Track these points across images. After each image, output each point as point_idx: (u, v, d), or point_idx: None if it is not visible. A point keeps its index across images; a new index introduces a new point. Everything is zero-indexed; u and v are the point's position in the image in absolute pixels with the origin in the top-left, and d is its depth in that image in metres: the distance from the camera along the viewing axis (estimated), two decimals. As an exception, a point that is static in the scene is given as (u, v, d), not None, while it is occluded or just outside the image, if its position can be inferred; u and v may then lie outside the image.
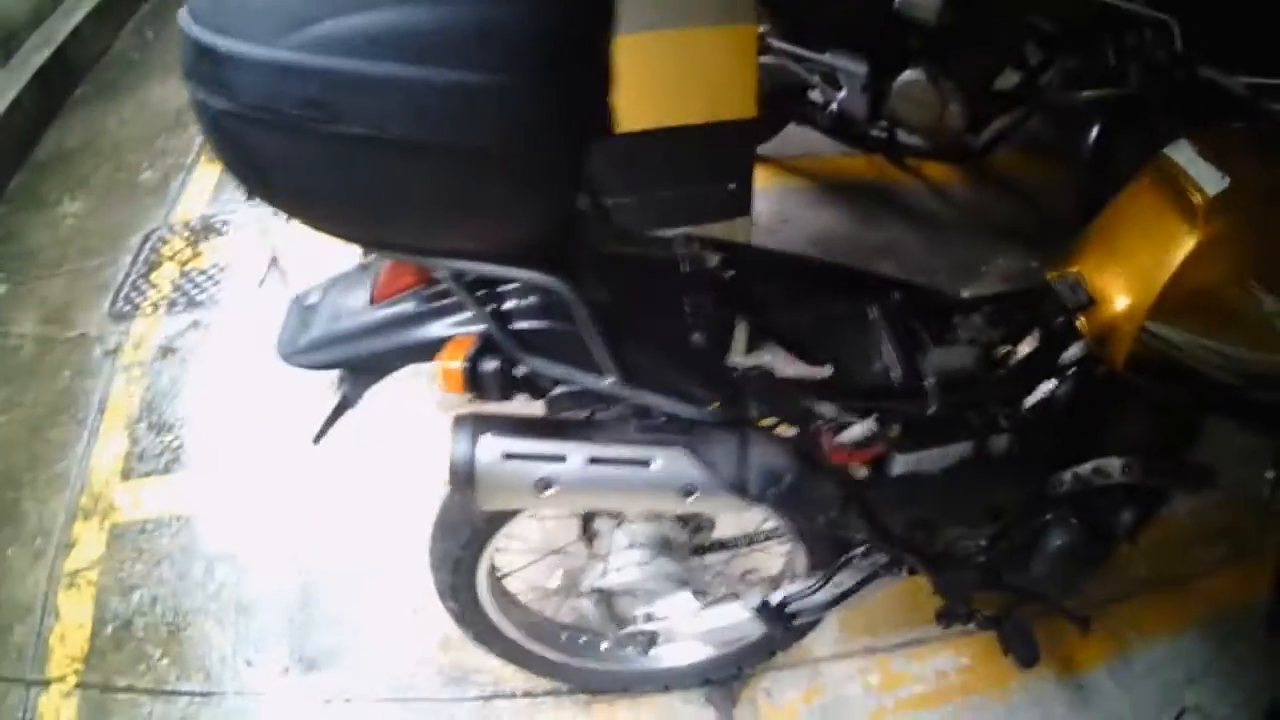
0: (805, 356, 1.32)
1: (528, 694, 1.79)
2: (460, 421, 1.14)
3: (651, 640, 1.56)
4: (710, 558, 1.59)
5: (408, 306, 1.04)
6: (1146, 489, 1.43)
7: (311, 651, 1.89)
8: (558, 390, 1.08)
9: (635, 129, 1.79)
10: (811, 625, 1.65)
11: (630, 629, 1.54)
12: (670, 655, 1.71)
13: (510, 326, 1.00)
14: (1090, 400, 1.33)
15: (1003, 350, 1.30)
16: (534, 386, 1.08)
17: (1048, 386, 1.27)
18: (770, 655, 1.75)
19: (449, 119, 0.72)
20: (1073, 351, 1.27)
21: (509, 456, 1.12)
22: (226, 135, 0.77)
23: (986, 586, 1.54)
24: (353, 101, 0.71)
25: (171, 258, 2.95)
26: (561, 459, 1.13)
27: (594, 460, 1.13)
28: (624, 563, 1.45)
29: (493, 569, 1.52)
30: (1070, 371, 1.27)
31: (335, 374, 1.11)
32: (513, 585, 1.63)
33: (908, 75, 2.24)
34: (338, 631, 1.92)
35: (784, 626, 1.49)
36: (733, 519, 1.60)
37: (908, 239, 2.63)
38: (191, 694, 1.85)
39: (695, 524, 1.53)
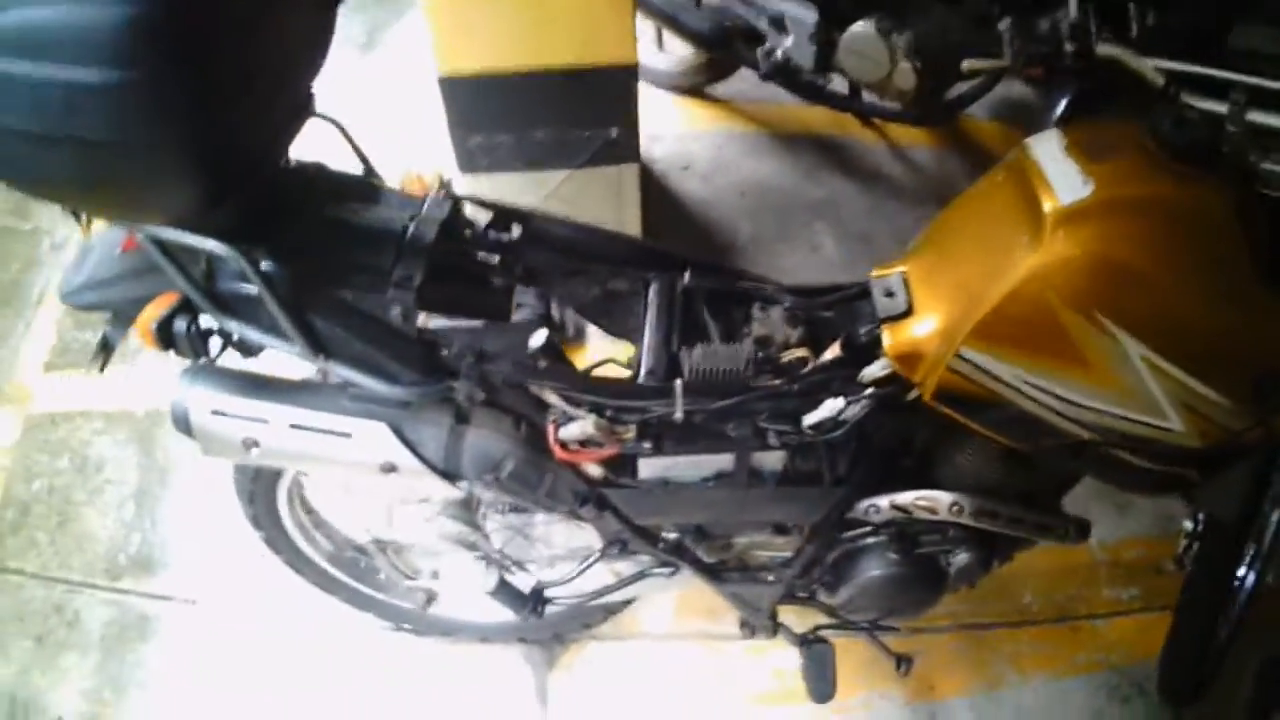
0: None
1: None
2: (186, 372, 1.14)
3: (431, 597, 1.54)
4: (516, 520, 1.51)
5: (137, 261, 1.04)
6: (988, 533, 1.25)
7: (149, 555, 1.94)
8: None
9: (503, 70, 1.74)
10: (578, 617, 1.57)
11: (412, 584, 1.52)
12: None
13: (211, 288, 1.01)
14: (899, 427, 1.17)
15: (795, 355, 1.15)
16: (244, 347, 1.11)
17: (833, 406, 1.09)
18: (587, 627, 1.71)
19: (68, 114, 0.74)
20: (873, 369, 1.09)
21: (216, 413, 1.13)
22: None
23: (795, 601, 1.43)
24: None
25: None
26: (264, 421, 1.12)
27: (295, 426, 1.12)
28: (406, 515, 1.38)
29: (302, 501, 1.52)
30: (866, 393, 1.09)
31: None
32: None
33: (857, 27, 2.05)
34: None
35: (532, 611, 1.42)
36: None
37: (851, 199, 2.40)
38: (68, 583, 1.93)
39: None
